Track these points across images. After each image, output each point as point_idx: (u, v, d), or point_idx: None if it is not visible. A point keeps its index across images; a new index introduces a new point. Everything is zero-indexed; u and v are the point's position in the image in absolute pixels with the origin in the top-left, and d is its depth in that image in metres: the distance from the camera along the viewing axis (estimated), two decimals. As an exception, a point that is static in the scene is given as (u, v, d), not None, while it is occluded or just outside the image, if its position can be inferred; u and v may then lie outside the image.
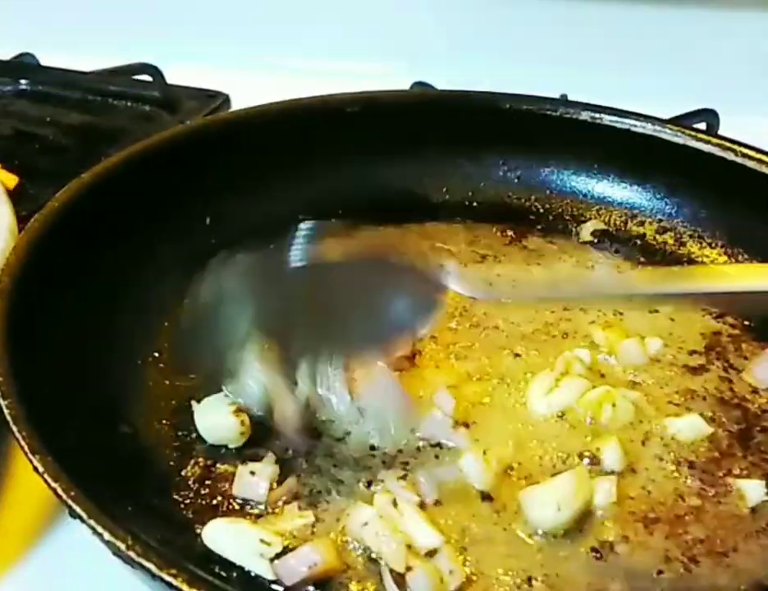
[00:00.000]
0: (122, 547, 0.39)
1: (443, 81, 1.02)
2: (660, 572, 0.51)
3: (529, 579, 0.50)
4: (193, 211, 0.75)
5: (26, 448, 0.44)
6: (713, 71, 1.10)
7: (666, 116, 0.86)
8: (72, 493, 0.42)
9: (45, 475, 0.43)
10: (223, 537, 0.50)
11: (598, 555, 0.52)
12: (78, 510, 0.41)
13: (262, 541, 0.49)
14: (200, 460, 0.57)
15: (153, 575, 0.38)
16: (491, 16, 1.16)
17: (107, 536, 0.40)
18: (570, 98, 0.92)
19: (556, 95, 0.90)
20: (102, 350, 0.62)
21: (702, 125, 0.95)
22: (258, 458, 0.56)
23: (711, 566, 0.52)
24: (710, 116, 0.99)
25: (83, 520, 0.41)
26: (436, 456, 0.57)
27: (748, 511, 0.55)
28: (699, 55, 1.11)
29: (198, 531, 0.51)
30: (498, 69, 1.02)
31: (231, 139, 0.78)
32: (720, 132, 0.94)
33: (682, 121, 0.90)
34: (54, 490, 0.42)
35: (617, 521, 0.54)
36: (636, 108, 0.82)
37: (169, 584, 0.38)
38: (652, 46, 1.13)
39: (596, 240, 0.81)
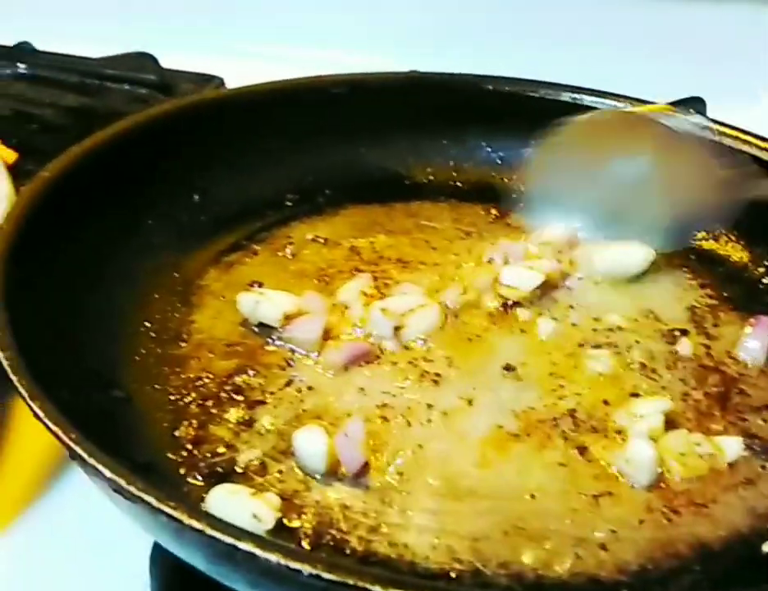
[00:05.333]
0: (123, 482, 0.40)
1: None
2: (641, 521, 0.53)
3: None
4: (181, 187, 0.76)
5: (26, 395, 0.45)
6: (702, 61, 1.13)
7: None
8: (73, 436, 0.43)
9: (46, 420, 0.44)
10: (220, 505, 0.50)
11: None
12: (79, 450, 0.42)
13: (254, 516, 0.48)
14: (194, 421, 0.58)
15: (154, 508, 0.39)
16: (487, 6, 1.18)
17: (108, 474, 0.41)
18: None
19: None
20: (93, 319, 0.63)
21: (691, 113, 0.98)
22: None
23: (692, 516, 0.53)
24: (697, 104, 1.02)
25: (84, 461, 0.42)
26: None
27: (726, 467, 0.57)
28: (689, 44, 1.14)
29: (188, 489, 0.52)
30: (494, 59, 1.02)
31: (219, 118, 0.79)
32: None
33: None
34: (55, 434, 0.43)
35: (599, 479, 0.56)
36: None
37: (170, 516, 0.39)
38: (645, 35, 1.15)
39: (576, 215, 0.83)
